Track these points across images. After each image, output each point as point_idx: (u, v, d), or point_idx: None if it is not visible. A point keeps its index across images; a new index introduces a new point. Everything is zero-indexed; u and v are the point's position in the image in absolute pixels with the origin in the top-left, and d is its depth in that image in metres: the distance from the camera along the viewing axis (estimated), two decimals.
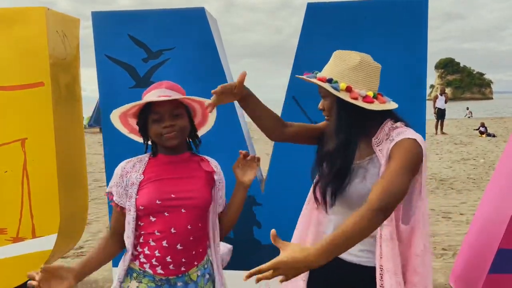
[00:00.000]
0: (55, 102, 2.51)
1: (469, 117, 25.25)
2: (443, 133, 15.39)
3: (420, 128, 2.24)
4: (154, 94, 1.47)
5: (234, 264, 2.48)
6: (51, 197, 2.54)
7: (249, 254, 2.48)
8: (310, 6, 2.30)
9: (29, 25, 2.42)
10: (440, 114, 15.84)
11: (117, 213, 1.51)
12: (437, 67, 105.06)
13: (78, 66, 2.83)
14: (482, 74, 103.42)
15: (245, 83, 1.48)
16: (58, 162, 2.54)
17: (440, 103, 15.92)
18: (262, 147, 8.07)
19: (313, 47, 2.30)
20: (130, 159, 1.55)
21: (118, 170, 1.52)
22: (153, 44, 2.41)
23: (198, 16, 2.38)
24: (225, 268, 2.33)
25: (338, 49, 1.43)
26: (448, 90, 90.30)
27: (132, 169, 1.49)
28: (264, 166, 2.37)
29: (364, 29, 2.27)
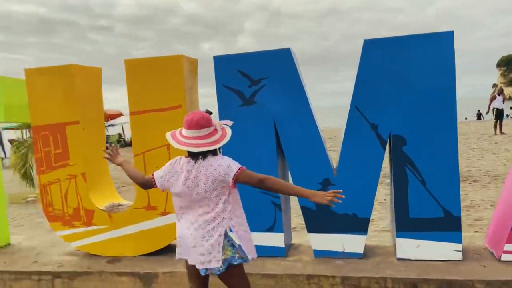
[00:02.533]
0: None
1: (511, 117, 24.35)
2: (502, 133, 15.30)
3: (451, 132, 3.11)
4: (187, 133, 2.27)
5: (318, 228, 3.48)
6: None
7: (327, 221, 3.43)
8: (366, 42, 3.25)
9: (172, 67, 3.59)
10: (499, 114, 15.77)
11: None
12: (499, 65, 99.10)
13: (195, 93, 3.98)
14: None
15: None
16: None
17: (498, 103, 15.85)
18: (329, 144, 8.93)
19: (373, 67, 3.25)
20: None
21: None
22: (254, 74, 3.48)
23: (285, 53, 3.41)
24: (310, 231, 3.39)
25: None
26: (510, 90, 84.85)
27: None
28: (334, 156, 3.33)
29: (410, 56, 3.18)
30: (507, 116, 24.31)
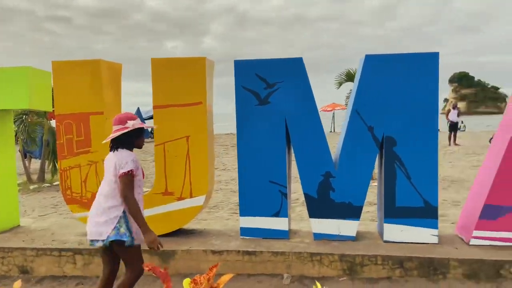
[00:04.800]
0: (208, 114, 4.10)
1: (462, 130, 26.60)
2: (456, 144, 16.65)
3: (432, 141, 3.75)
4: (138, 121, 2.78)
5: (318, 213, 4.02)
6: (203, 172, 4.10)
7: (327, 208, 3.99)
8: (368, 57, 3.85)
9: (195, 67, 4.02)
10: (453, 127, 17.16)
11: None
12: (451, 81, 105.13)
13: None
14: (497, 88, 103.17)
15: None
16: (209, 152, 4.11)
17: (453, 116, 17.24)
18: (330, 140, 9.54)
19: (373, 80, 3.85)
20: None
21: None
22: (270, 78, 3.98)
23: (298, 62, 3.95)
24: (312, 217, 3.93)
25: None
26: (462, 104, 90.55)
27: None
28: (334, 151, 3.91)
29: (402, 70, 3.80)
30: (459, 128, 26.20)
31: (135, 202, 2.70)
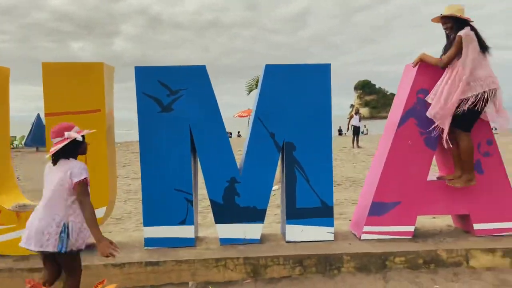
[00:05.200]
0: (108, 122, 3.94)
1: (366, 134, 29.25)
2: (359, 147, 18.07)
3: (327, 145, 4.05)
4: (76, 129, 2.85)
5: (224, 219, 4.08)
6: (103, 182, 3.92)
7: (232, 212, 4.07)
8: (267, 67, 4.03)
9: (93, 73, 3.85)
10: (356, 131, 18.60)
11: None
12: (356, 88, 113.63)
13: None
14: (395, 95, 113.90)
15: None
16: (109, 161, 3.95)
17: (355, 121, 18.70)
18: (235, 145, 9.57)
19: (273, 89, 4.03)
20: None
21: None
22: (173, 85, 3.96)
23: (201, 69, 3.99)
24: (217, 222, 3.98)
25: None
26: (366, 110, 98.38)
27: None
28: (239, 157, 4.01)
29: (299, 80, 4.04)
30: (363, 132, 28.46)
31: (91, 208, 2.80)
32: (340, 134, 33.57)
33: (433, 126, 4.03)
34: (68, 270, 2.94)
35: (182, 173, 4.00)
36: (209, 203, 4.13)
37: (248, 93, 10.59)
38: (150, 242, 4.04)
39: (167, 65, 4.12)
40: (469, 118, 3.96)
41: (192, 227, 4.06)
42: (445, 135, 3.97)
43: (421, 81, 4.14)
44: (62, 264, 2.93)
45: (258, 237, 4.14)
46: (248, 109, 29.22)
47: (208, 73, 4.01)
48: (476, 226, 4.18)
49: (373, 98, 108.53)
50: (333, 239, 4.16)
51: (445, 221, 4.88)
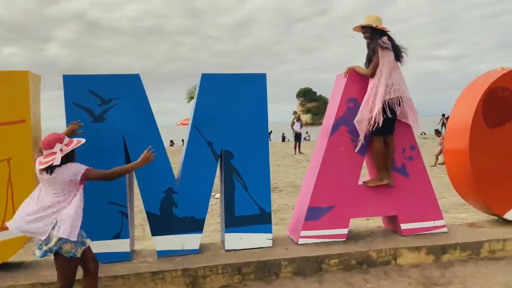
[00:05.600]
0: (34, 133, 3.72)
1: (308, 140, 30.38)
2: (300, 152, 18.54)
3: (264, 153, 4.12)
4: (66, 140, 2.99)
5: (161, 230, 4.01)
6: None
7: (169, 223, 4.00)
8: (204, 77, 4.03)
9: (17, 82, 3.62)
10: (297, 137, 19.09)
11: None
12: (298, 95, 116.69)
13: None
14: None
15: None
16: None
17: (297, 127, 19.20)
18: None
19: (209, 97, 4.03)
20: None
21: None
22: (105, 95, 3.84)
23: (135, 78, 3.90)
24: (154, 234, 3.90)
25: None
26: (308, 116, 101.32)
27: None
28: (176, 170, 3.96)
29: (235, 89, 4.08)
30: (305, 138, 29.28)
31: (116, 168, 3.16)
32: (283, 140, 34.25)
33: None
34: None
35: (116, 185, 3.85)
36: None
37: (188, 101, 10.52)
38: None
39: (106, 72, 4.02)
40: (382, 123, 4.19)
41: (127, 240, 3.94)
42: (361, 139, 4.24)
43: (350, 91, 4.36)
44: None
45: (197, 247, 4.10)
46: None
47: (142, 81, 3.94)
48: (403, 226, 4.46)
49: (314, 105, 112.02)
50: (271, 245, 4.23)
51: (376, 222, 5.15)
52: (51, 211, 2.91)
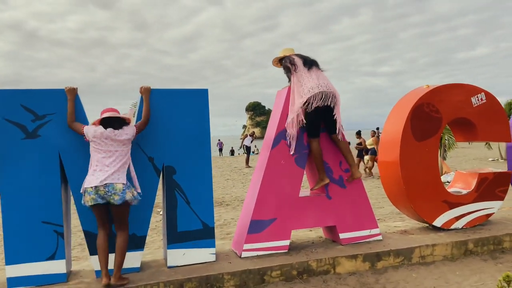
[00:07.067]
0: None
1: (257, 154, 30.79)
2: (249, 166, 18.71)
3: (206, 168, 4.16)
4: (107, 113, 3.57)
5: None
6: None
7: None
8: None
9: None
10: (247, 151, 19.29)
11: None
12: (247, 109, 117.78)
13: None
14: None
15: None
16: None
17: (247, 141, 19.42)
18: None
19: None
20: None
21: None
22: (39, 110, 3.70)
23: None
24: (92, 254, 3.78)
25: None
26: (257, 130, 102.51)
27: None
28: None
29: (177, 104, 4.10)
30: (253, 152, 29.57)
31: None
32: (232, 154, 34.34)
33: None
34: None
35: (50, 203, 3.72)
36: None
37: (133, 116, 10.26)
38: (14, 282, 3.65)
39: (46, 85, 3.90)
40: (309, 125, 4.46)
41: (63, 261, 3.78)
42: (293, 143, 4.45)
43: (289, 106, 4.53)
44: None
45: (138, 265, 4.02)
46: None
47: (79, 96, 3.85)
48: (342, 236, 4.66)
49: (263, 118, 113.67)
50: (215, 259, 4.24)
51: (317, 233, 5.33)
52: None
